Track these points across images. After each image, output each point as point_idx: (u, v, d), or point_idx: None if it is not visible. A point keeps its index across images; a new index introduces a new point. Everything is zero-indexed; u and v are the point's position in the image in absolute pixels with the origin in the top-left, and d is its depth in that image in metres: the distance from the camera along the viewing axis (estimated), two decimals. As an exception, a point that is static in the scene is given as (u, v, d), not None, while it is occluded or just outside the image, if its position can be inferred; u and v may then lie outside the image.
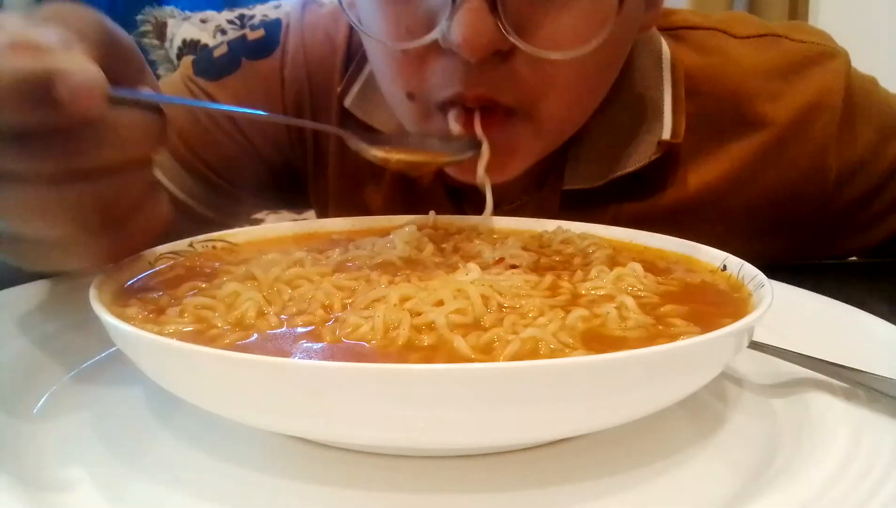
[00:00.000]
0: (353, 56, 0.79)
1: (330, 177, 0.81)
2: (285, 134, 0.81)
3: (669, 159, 0.72)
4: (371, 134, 0.71)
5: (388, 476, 0.35)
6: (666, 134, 0.70)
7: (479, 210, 0.78)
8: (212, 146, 0.78)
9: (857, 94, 0.73)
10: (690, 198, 0.74)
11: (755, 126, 0.73)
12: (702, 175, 0.73)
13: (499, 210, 0.76)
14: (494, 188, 0.77)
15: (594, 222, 0.65)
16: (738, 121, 0.73)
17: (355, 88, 0.77)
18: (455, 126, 0.60)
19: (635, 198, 0.73)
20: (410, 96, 0.63)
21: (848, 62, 0.74)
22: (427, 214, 0.63)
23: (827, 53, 0.74)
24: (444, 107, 0.61)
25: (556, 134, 0.67)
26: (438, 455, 0.36)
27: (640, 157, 0.71)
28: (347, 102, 0.77)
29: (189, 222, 0.80)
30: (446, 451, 0.35)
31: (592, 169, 0.72)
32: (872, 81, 0.77)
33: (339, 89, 0.77)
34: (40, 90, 0.34)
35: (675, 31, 0.76)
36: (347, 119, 0.78)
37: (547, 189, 0.75)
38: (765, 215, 0.75)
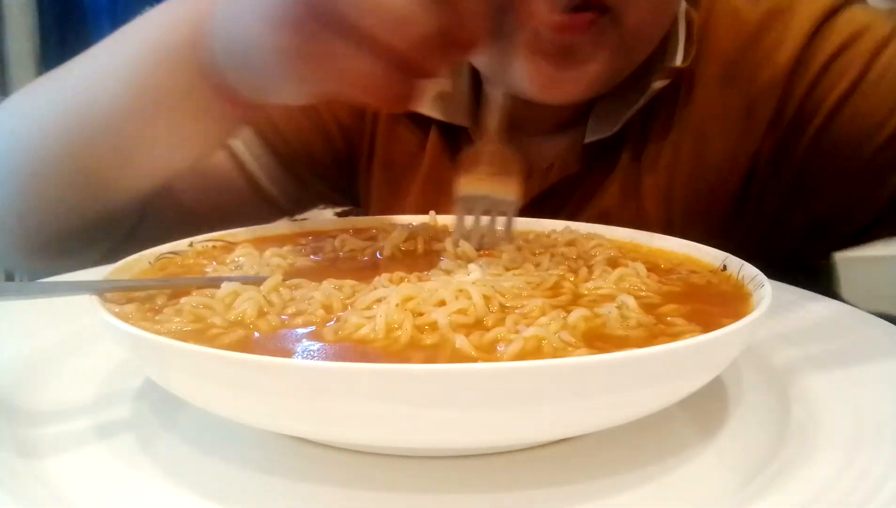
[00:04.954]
0: None
1: (376, 159, 0.84)
2: (349, 117, 0.84)
3: (680, 97, 0.73)
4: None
5: (388, 476, 0.35)
6: (678, 61, 0.71)
7: None
8: (289, 120, 0.81)
9: (829, 38, 0.70)
10: (695, 138, 0.73)
11: (743, 80, 0.72)
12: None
13: (531, 179, 0.76)
14: (532, 159, 0.77)
15: (614, 168, 0.69)
16: (735, 76, 0.73)
17: None
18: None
19: (649, 138, 0.74)
20: None
21: (818, 9, 0.71)
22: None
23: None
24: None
25: (634, 50, 0.69)
26: (438, 455, 0.36)
27: (649, 91, 0.71)
28: None
29: (258, 203, 0.83)
30: (446, 451, 0.35)
31: (612, 116, 0.73)
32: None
33: None
34: None
35: None
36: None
37: (570, 146, 0.76)
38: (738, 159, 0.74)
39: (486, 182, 0.57)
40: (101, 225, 0.67)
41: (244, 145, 0.80)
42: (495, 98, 0.55)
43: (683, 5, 0.75)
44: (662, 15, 0.69)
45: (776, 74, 0.70)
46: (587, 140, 0.74)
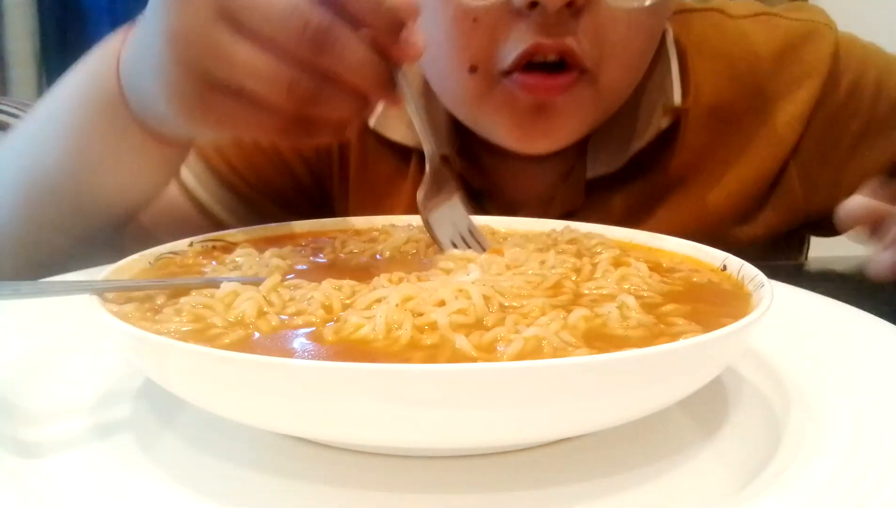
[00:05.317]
0: None
1: (351, 188, 0.84)
2: (312, 151, 0.84)
3: (681, 135, 0.75)
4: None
5: (388, 476, 0.35)
6: (676, 100, 0.73)
7: (502, 212, 0.79)
8: (247, 160, 0.81)
9: (839, 71, 0.75)
10: (699, 174, 0.76)
11: (756, 111, 0.76)
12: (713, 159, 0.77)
13: (527, 208, 0.77)
14: (521, 188, 0.78)
15: (616, 204, 0.70)
16: (739, 108, 0.76)
17: (378, 109, 0.80)
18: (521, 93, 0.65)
19: (649, 176, 0.76)
20: (473, 69, 0.66)
21: (835, 39, 0.76)
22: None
23: (816, 31, 0.76)
24: (511, 71, 0.65)
25: (609, 104, 0.71)
26: (438, 455, 0.36)
27: (653, 129, 0.73)
28: (371, 123, 0.80)
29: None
30: (446, 451, 0.35)
31: (612, 153, 0.74)
32: (863, 55, 0.78)
33: None
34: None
35: (672, 15, 0.79)
36: (367, 137, 0.82)
37: (571, 181, 0.76)
38: (757, 185, 0.78)
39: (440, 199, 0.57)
40: (83, 252, 0.68)
41: (205, 190, 0.80)
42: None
43: (671, 36, 0.76)
44: (637, 70, 0.71)
45: (802, 105, 0.75)
46: (590, 176, 0.75)
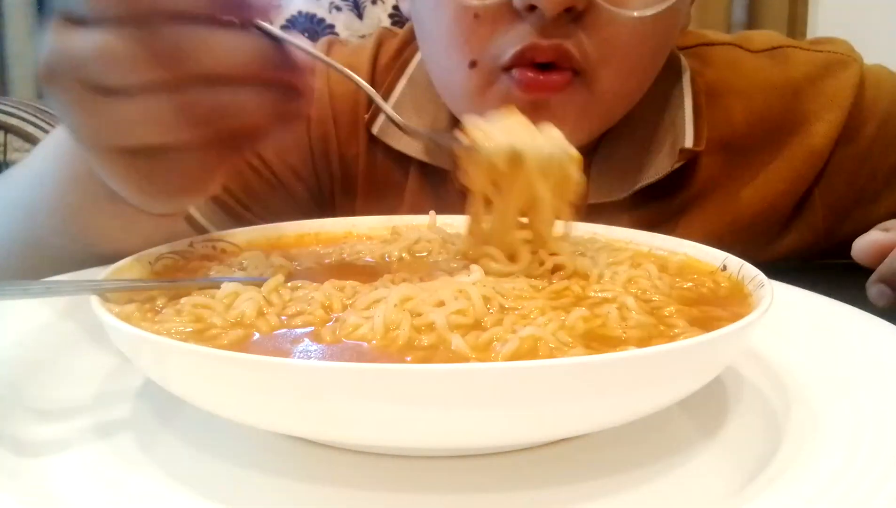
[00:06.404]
0: (377, 88, 0.82)
1: (358, 198, 0.83)
2: (309, 163, 0.83)
3: (691, 167, 0.75)
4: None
5: (389, 476, 0.35)
6: (688, 142, 0.73)
7: None
8: (239, 179, 0.80)
9: (866, 105, 0.75)
10: (709, 204, 0.77)
11: (772, 144, 0.76)
12: (722, 186, 0.77)
13: None
14: None
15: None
16: (753, 141, 0.76)
17: (382, 116, 0.79)
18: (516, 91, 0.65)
19: (656, 205, 0.76)
20: (473, 64, 0.67)
21: (859, 71, 0.75)
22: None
23: (839, 62, 0.76)
24: (509, 68, 0.65)
25: (607, 110, 0.70)
26: (438, 455, 0.36)
27: (662, 166, 0.73)
28: (375, 130, 0.80)
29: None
30: (444, 451, 0.35)
31: (616, 182, 0.74)
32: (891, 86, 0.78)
33: (366, 117, 0.80)
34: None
35: (691, 48, 0.79)
36: (374, 146, 0.81)
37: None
38: (770, 218, 0.78)
39: None
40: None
41: (195, 207, 0.77)
42: None
43: (688, 76, 0.76)
44: (637, 78, 0.70)
45: (822, 139, 0.75)
46: (591, 201, 0.75)
